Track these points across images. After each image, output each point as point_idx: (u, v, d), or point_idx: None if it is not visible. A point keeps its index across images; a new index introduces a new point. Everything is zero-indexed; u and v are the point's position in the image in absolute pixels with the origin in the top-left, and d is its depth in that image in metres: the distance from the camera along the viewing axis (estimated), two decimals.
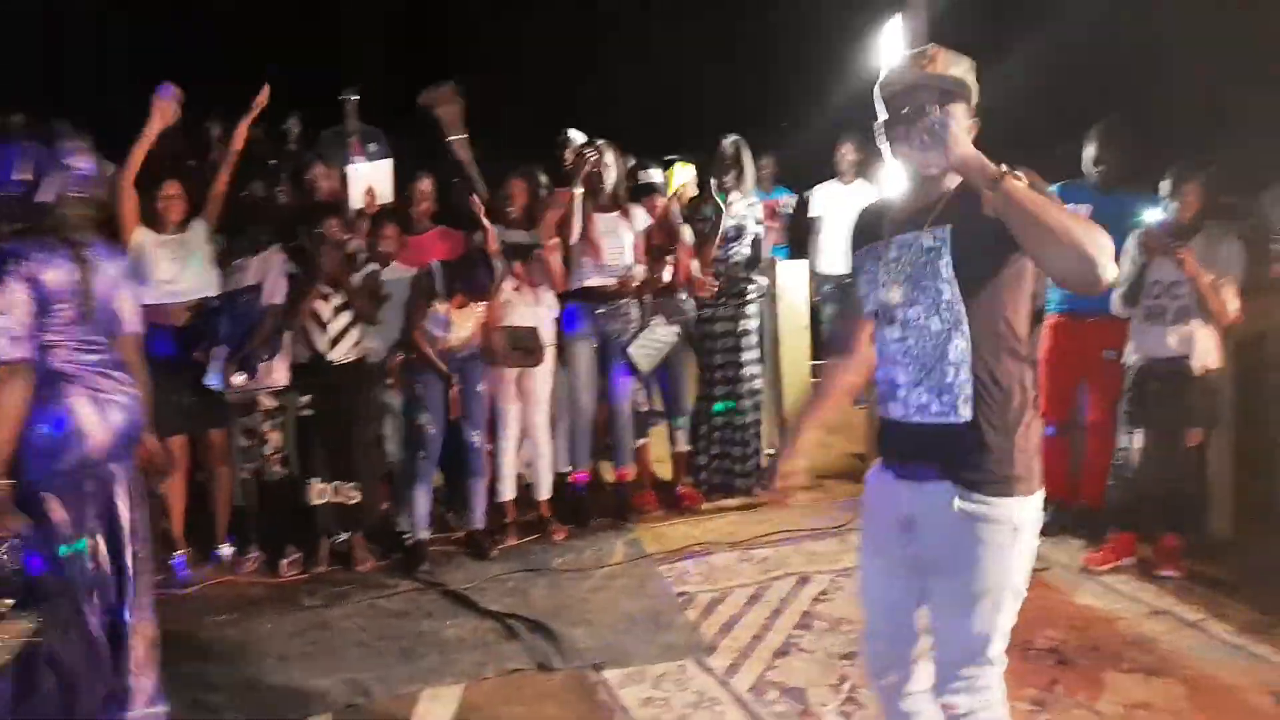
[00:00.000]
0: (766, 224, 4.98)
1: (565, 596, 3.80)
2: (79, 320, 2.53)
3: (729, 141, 4.77)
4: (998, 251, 1.76)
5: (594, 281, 4.46)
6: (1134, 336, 3.85)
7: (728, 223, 4.73)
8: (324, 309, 4.05)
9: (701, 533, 4.45)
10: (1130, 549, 3.88)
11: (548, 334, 4.41)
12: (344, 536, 4.18)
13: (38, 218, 2.50)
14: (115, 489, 2.59)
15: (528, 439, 4.47)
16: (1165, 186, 3.76)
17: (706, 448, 4.94)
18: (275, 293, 4.01)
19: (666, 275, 4.60)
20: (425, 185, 4.67)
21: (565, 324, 4.50)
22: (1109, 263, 1.62)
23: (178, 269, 3.94)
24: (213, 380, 3.94)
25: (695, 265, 4.65)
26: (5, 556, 2.38)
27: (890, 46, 4.65)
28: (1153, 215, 3.69)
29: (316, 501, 4.10)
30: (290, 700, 3.07)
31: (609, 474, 4.85)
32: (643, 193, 4.65)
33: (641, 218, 4.55)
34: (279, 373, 4.04)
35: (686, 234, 4.66)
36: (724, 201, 4.76)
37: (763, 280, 4.98)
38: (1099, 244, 1.61)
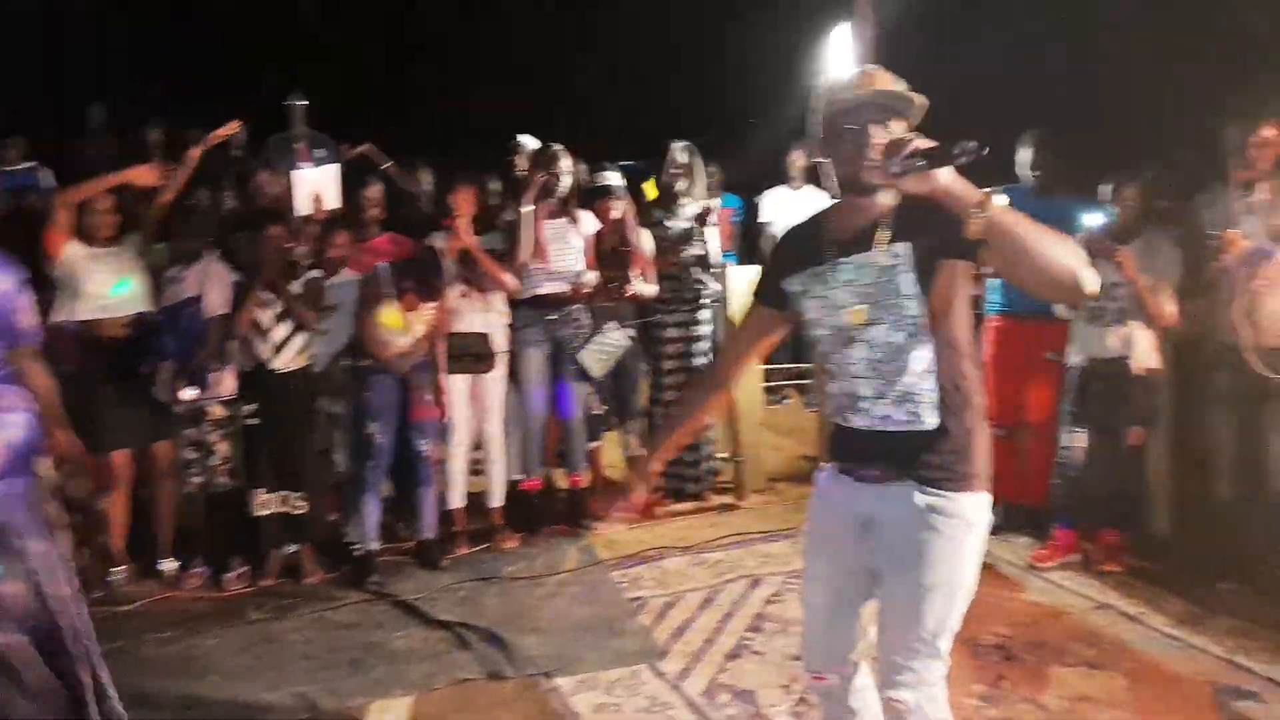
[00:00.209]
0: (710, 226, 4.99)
1: (517, 605, 3.78)
2: None
3: (679, 147, 4.78)
4: (948, 263, 1.81)
5: (545, 289, 4.45)
6: (1076, 338, 3.93)
7: (679, 227, 4.75)
8: (264, 317, 3.99)
9: (654, 538, 4.45)
10: (1074, 546, 3.96)
11: (499, 340, 4.39)
12: (292, 548, 4.11)
13: None
14: (14, 518, 2.44)
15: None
16: (1105, 191, 3.85)
17: None
18: (218, 304, 3.95)
19: (644, 287, 4.55)
20: (374, 191, 4.62)
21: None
22: (1090, 275, 1.66)
23: (111, 282, 3.86)
24: (161, 396, 3.88)
25: (650, 270, 4.65)
26: None
27: (837, 54, 4.72)
28: (1093, 219, 3.78)
29: (263, 513, 4.03)
30: (235, 716, 3.01)
31: (563, 481, 4.83)
32: (598, 195, 4.64)
33: (590, 222, 4.55)
34: (227, 382, 4.00)
35: (646, 239, 4.66)
36: (675, 206, 4.78)
37: (715, 285, 5.00)
38: (1080, 259, 1.66)
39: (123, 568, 4.01)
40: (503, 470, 4.48)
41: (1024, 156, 4.18)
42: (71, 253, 3.82)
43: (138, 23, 7.59)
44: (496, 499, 4.47)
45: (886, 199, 1.86)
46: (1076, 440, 3.90)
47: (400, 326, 4.04)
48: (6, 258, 2.63)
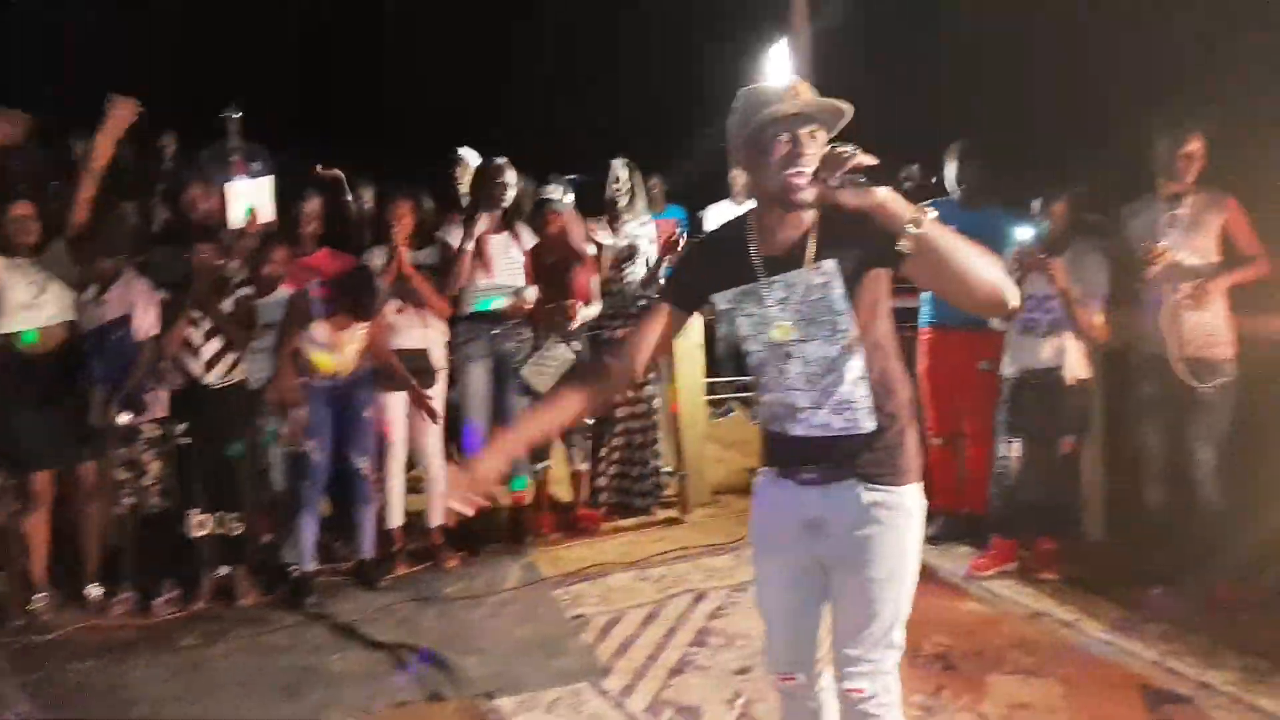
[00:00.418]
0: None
1: (457, 624, 3.72)
2: None
3: (619, 162, 4.78)
4: (873, 271, 1.85)
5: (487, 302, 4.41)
6: (1010, 348, 4.00)
7: (620, 243, 4.74)
8: (194, 334, 3.89)
9: (598, 554, 4.41)
10: (1011, 554, 4.02)
11: (438, 356, 4.33)
12: (226, 570, 4.01)
13: None
14: None
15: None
16: (1036, 205, 3.93)
17: (605, 468, 4.92)
18: (148, 324, 3.85)
19: (588, 312, 4.52)
20: (313, 205, 4.54)
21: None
22: (1012, 290, 1.73)
23: (33, 294, 3.74)
24: (95, 421, 3.80)
25: (595, 284, 4.63)
26: None
27: (775, 68, 4.77)
28: (1025, 232, 3.85)
29: (197, 534, 3.93)
30: None
31: (505, 498, 4.77)
32: (541, 209, 4.61)
33: (529, 237, 4.52)
34: (160, 401, 3.91)
35: (590, 252, 4.64)
36: (617, 222, 4.77)
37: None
38: (1002, 274, 1.73)
39: (44, 594, 3.86)
40: (442, 488, 4.40)
41: (950, 169, 4.26)
42: None
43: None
44: (437, 517, 4.40)
45: (811, 210, 1.87)
46: (1012, 450, 3.96)
47: (328, 366, 3.96)
48: None
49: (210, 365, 3.93)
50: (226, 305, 3.96)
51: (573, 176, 5.05)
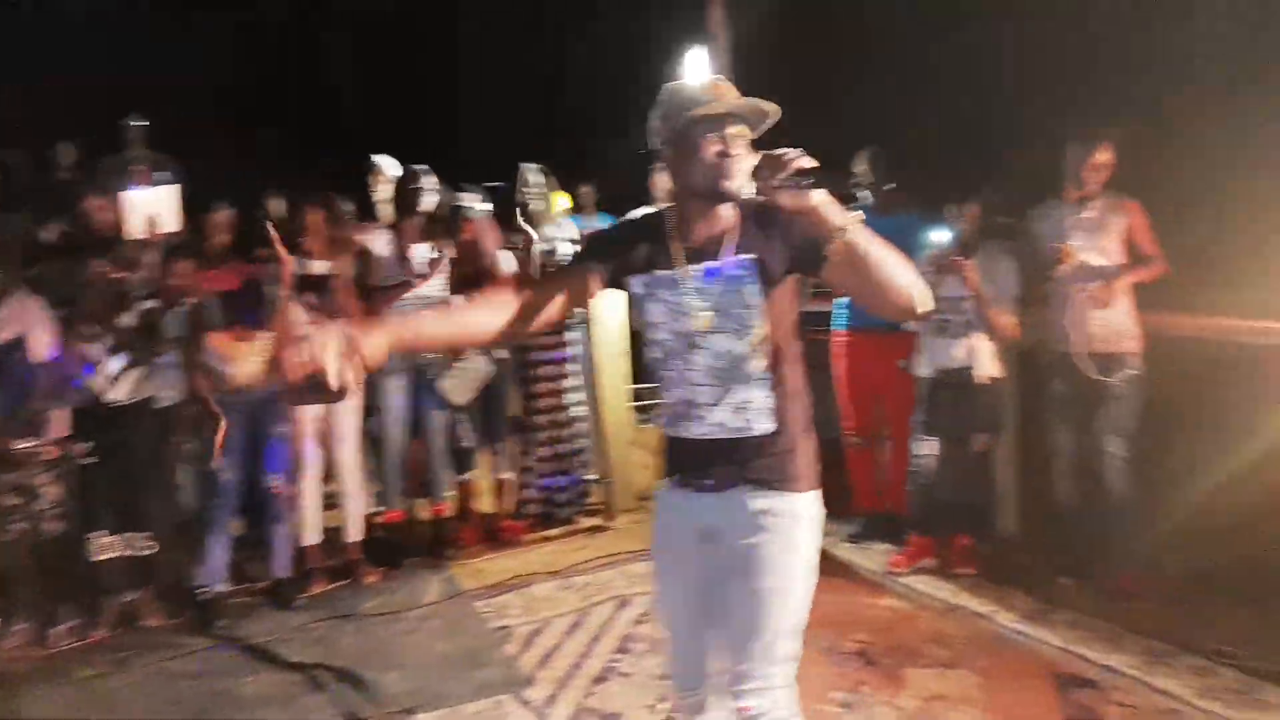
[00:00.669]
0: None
1: (376, 641, 3.63)
2: None
3: (531, 168, 4.75)
4: (789, 275, 1.86)
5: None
6: (924, 349, 4.08)
7: (539, 248, 4.71)
8: (93, 351, 3.74)
9: (522, 564, 4.36)
10: (929, 551, 4.09)
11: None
12: (132, 595, 3.84)
13: None
14: None
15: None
16: (949, 208, 4.02)
17: (529, 479, 4.86)
18: (44, 345, 3.68)
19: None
20: (222, 216, 4.42)
21: None
22: (925, 297, 1.76)
23: None
24: None
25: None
26: None
27: (693, 75, 4.78)
28: (940, 235, 3.93)
29: (102, 557, 3.76)
30: None
31: (426, 510, 4.69)
32: (456, 217, 4.56)
33: (449, 247, 4.46)
34: (59, 422, 3.73)
35: (504, 261, 4.60)
36: (534, 227, 4.74)
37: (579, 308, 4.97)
38: (918, 281, 1.76)
39: None
40: (359, 503, 4.31)
41: (861, 173, 4.34)
42: None
43: None
44: (354, 533, 4.29)
45: (728, 212, 1.88)
46: (928, 449, 4.04)
47: (234, 358, 3.84)
48: None
49: (113, 382, 3.77)
50: (129, 319, 3.81)
51: (496, 185, 5.00)
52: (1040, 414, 4.13)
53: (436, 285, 4.37)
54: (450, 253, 4.45)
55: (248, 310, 3.80)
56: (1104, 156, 3.75)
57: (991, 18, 5.46)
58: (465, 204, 4.50)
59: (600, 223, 6.56)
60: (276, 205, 4.90)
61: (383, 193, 4.68)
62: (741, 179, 1.81)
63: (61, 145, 4.77)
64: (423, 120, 7.94)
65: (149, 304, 3.90)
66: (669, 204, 1.98)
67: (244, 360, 3.85)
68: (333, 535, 4.31)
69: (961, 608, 3.69)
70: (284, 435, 4.02)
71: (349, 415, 4.22)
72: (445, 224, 4.54)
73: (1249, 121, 4.35)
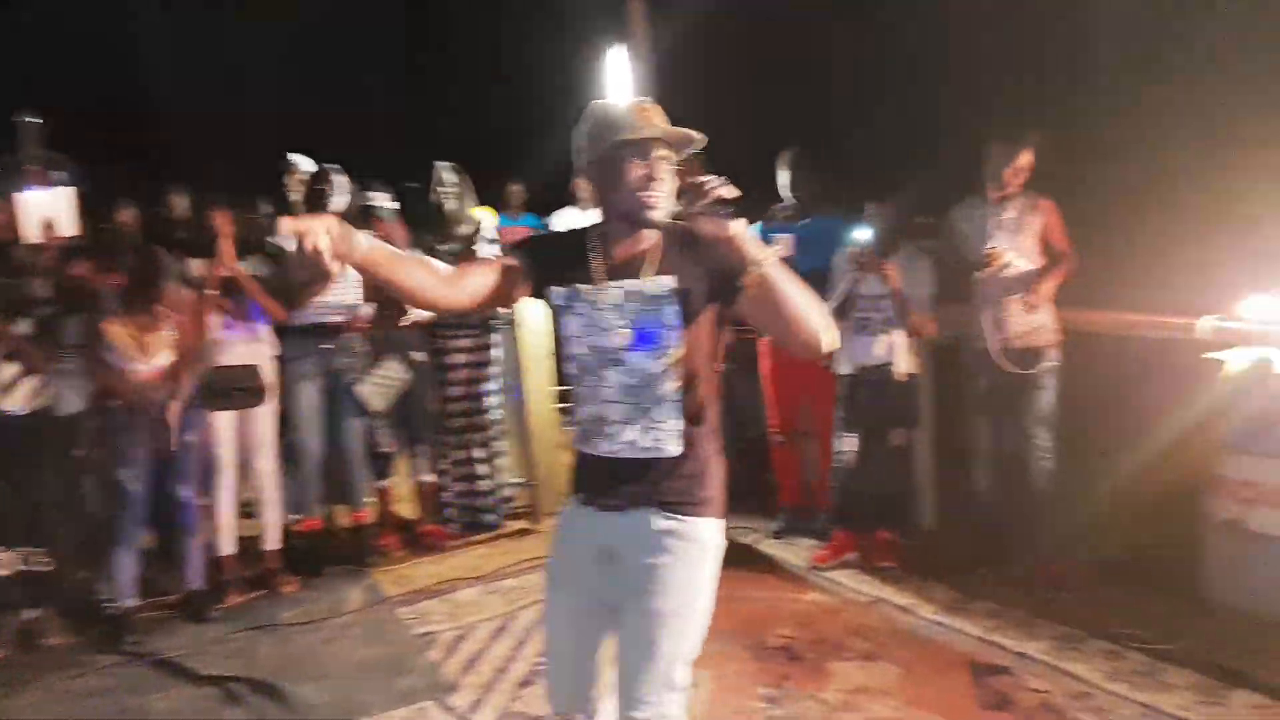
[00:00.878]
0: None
1: (295, 651, 3.54)
2: None
3: (446, 167, 4.66)
4: (709, 302, 1.87)
5: (319, 318, 4.24)
6: (845, 347, 4.14)
7: (453, 247, 4.63)
8: None
9: (446, 569, 4.30)
10: (851, 545, 4.16)
11: (268, 372, 4.12)
12: (33, 613, 3.67)
13: None
14: None
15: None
16: (869, 208, 4.09)
17: (449, 484, 4.79)
18: None
19: (418, 313, 4.37)
20: (127, 216, 4.26)
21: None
22: (831, 338, 1.79)
23: None
24: None
25: None
26: None
27: (614, 75, 4.80)
28: (862, 234, 4.00)
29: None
30: None
31: (345, 518, 4.58)
32: (364, 216, 4.46)
33: None
34: None
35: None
36: (448, 227, 4.66)
37: (503, 309, 4.91)
38: (827, 323, 1.79)
39: None
40: (277, 511, 4.19)
41: (782, 179, 4.39)
42: None
43: None
44: (272, 541, 4.17)
45: (655, 232, 1.89)
46: (848, 444, 4.10)
47: (134, 345, 3.69)
48: None
49: (7, 390, 3.60)
50: (23, 326, 3.64)
51: (412, 185, 4.92)
52: (957, 408, 4.24)
53: (346, 288, 4.27)
54: None
55: (137, 290, 3.64)
56: (1026, 159, 3.85)
57: (913, 20, 5.58)
58: (375, 203, 4.41)
59: (526, 224, 6.52)
60: (180, 203, 4.76)
61: (298, 191, 4.56)
62: (664, 205, 1.84)
63: None
64: (337, 119, 7.78)
65: (47, 310, 3.73)
66: (595, 214, 1.97)
67: (148, 349, 3.69)
68: (249, 545, 4.19)
69: (883, 600, 3.76)
70: (196, 443, 3.88)
71: (265, 420, 4.10)
72: (355, 224, 4.43)
73: (1162, 123, 4.53)
